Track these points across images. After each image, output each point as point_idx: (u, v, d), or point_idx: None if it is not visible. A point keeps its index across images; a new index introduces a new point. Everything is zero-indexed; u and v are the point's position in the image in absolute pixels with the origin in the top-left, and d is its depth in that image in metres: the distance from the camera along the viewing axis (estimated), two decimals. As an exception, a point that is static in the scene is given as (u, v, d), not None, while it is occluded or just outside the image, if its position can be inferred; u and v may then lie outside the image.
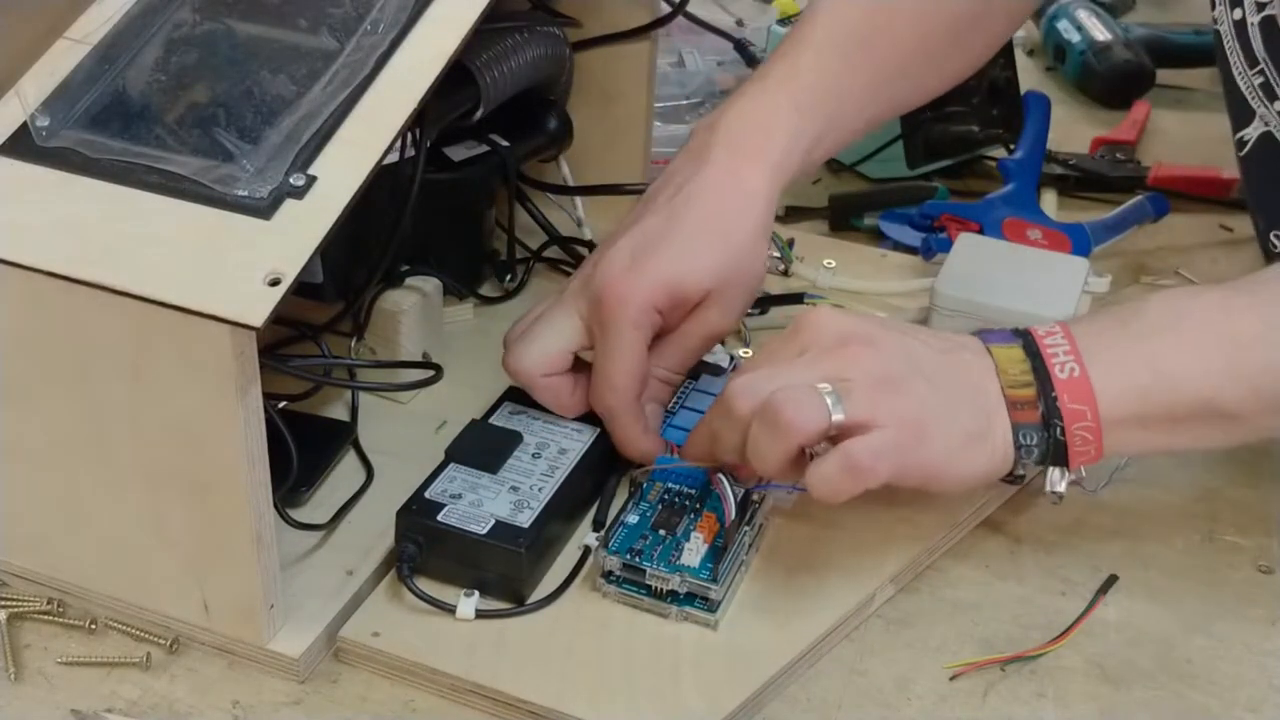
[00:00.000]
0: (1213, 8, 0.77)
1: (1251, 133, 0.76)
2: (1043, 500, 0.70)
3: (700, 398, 0.70)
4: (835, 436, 0.57)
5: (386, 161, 0.57)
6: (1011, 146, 0.97)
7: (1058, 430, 0.59)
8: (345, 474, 0.68)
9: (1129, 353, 0.61)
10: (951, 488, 0.61)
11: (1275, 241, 0.78)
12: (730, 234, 0.67)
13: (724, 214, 0.67)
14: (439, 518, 0.61)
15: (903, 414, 0.58)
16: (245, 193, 0.54)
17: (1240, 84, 0.76)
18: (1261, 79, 0.73)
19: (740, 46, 1.15)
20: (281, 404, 0.68)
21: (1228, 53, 0.76)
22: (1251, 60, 0.74)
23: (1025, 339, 0.61)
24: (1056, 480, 0.61)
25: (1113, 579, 0.65)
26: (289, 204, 0.54)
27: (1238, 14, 0.74)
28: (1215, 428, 0.61)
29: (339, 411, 0.71)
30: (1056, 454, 0.60)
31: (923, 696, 0.59)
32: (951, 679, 0.60)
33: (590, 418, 0.67)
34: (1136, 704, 0.59)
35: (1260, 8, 0.72)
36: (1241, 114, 0.77)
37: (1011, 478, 0.63)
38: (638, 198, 0.85)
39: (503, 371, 0.71)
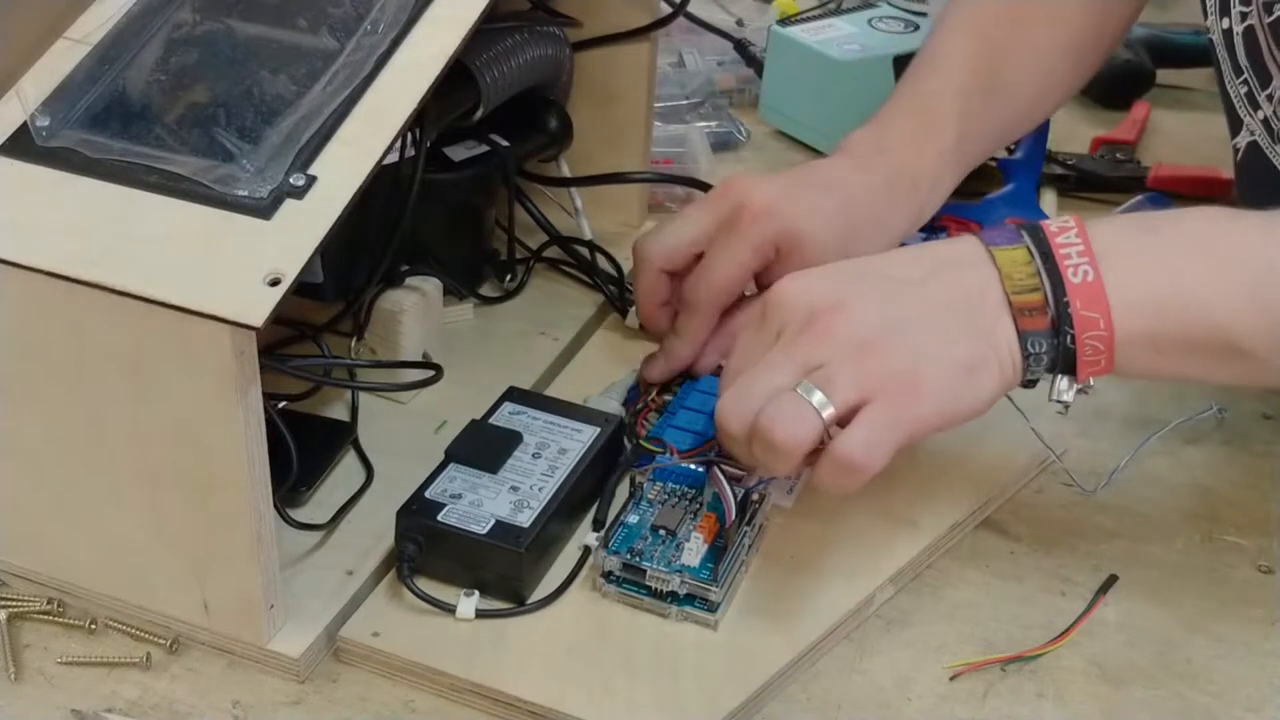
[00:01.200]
0: (1205, 17, 0.77)
1: (1241, 141, 0.76)
2: (1043, 500, 0.70)
3: (702, 398, 0.70)
4: (840, 421, 0.56)
5: (386, 161, 0.57)
6: (1012, 147, 0.97)
7: (1068, 338, 0.57)
8: (345, 474, 0.68)
9: (1152, 264, 0.58)
10: (966, 419, 0.58)
11: None
12: (861, 238, 0.71)
13: (870, 220, 0.72)
14: (439, 518, 0.61)
15: (890, 373, 0.56)
16: (245, 193, 0.54)
17: (1230, 92, 0.76)
18: (1245, 88, 0.74)
19: (740, 46, 1.15)
20: (281, 404, 0.68)
21: (1220, 61, 0.76)
22: (1237, 69, 0.74)
23: (1035, 235, 0.58)
24: (1064, 389, 0.58)
25: (1113, 579, 0.65)
26: (289, 204, 0.54)
27: (1225, 23, 0.75)
28: (1229, 362, 0.58)
29: (339, 411, 0.71)
30: (1065, 362, 0.58)
31: (923, 696, 0.59)
32: (951, 679, 0.60)
33: (591, 418, 0.67)
34: (1136, 704, 0.59)
35: (1243, 17, 0.73)
36: (1233, 122, 0.77)
37: (1026, 383, 0.60)
38: (639, 189, 0.86)
39: (502, 371, 0.72)
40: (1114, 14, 0.83)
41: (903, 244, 0.85)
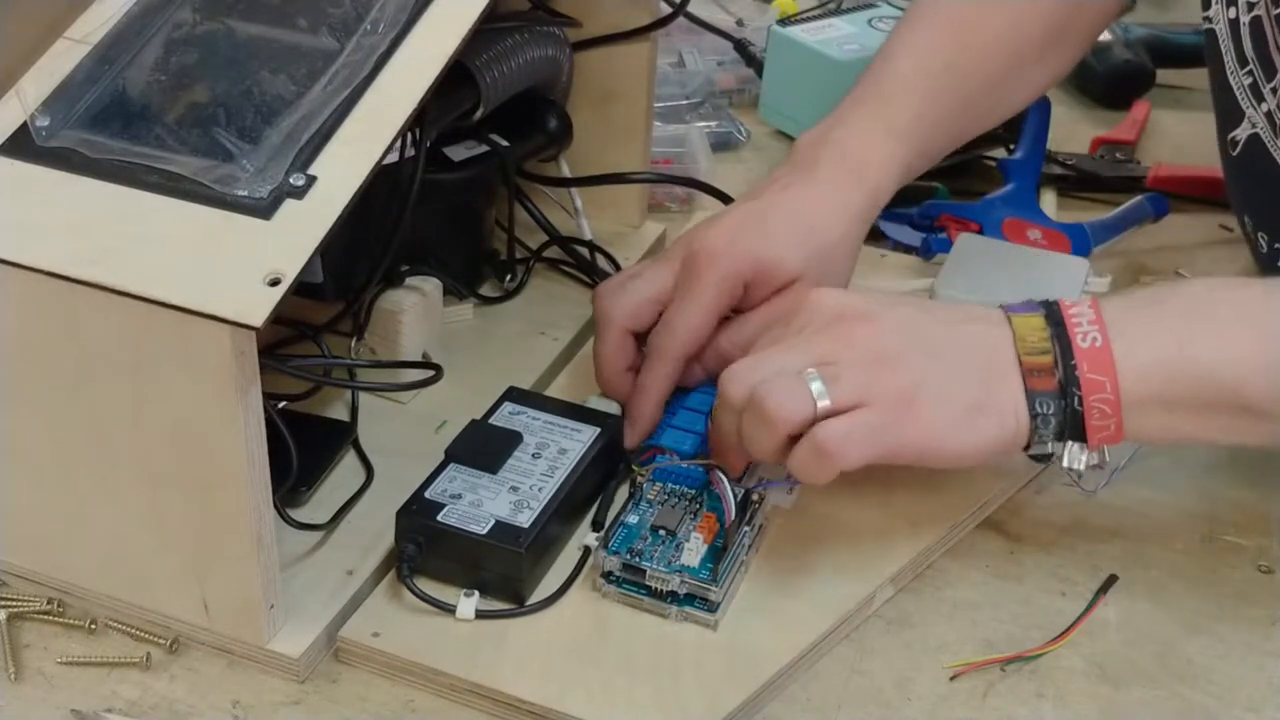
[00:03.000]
0: (1206, 7, 0.77)
1: (1241, 134, 0.76)
2: (1043, 500, 0.70)
3: (702, 399, 0.70)
4: (830, 416, 0.57)
5: (386, 161, 0.57)
6: (1011, 147, 0.97)
7: (1075, 400, 0.58)
8: (345, 474, 0.68)
9: (1157, 329, 0.59)
10: (952, 462, 0.60)
11: (1262, 240, 0.78)
12: (822, 233, 0.70)
13: (821, 214, 0.71)
14: (439, 518, 0.61)
15: (892, 390, 0.58)
16: (245, 193, 0.54)
17: (1232, 83, 0.75)
18: (1250, 79, 0.73)
19: (740, 46, 1.15)
20: (281, 404, 0.68)
21: (1222, 52, 0.76)
22: (1242, 60, 0.74)
23: (1049, 308, 0.60)
24: (1075, 456, 0.59)
25: (1112, 579, 0.65)
26: (289, 204, 0.54)
27: (1232, 13, 0.74)
28: (1242, 422, 0.59)
29: (339, 411, 0.71)
30: (1074, 427, 0.59)
31: (923, 696, 0.59)
32: (951, 679, 0.60)
33: (591, 418, 0.67)
34: (1136, 704, 0.59)
35: (1250, 8, 0.73)
36: (1231, 114, 0.77)
37: (1038, 456, 0.60)
38: (639, 189, 0.86)
39: (502, 371, 0.72)
40: (1088, 6, 0.82)
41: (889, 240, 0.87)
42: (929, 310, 0.62)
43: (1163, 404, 0.59)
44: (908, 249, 0.90)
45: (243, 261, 0.52)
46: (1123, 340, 0.58)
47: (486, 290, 0.82)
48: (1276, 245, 0.77)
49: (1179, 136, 1.10)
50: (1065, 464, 0.60)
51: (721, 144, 1.05)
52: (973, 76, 0.77)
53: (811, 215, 0.71)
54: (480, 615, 0.60)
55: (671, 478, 0.65)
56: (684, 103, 1.09)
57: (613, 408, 0.71)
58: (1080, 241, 0.88)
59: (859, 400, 0.57)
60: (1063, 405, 0.58)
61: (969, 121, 0.80)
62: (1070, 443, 0.59)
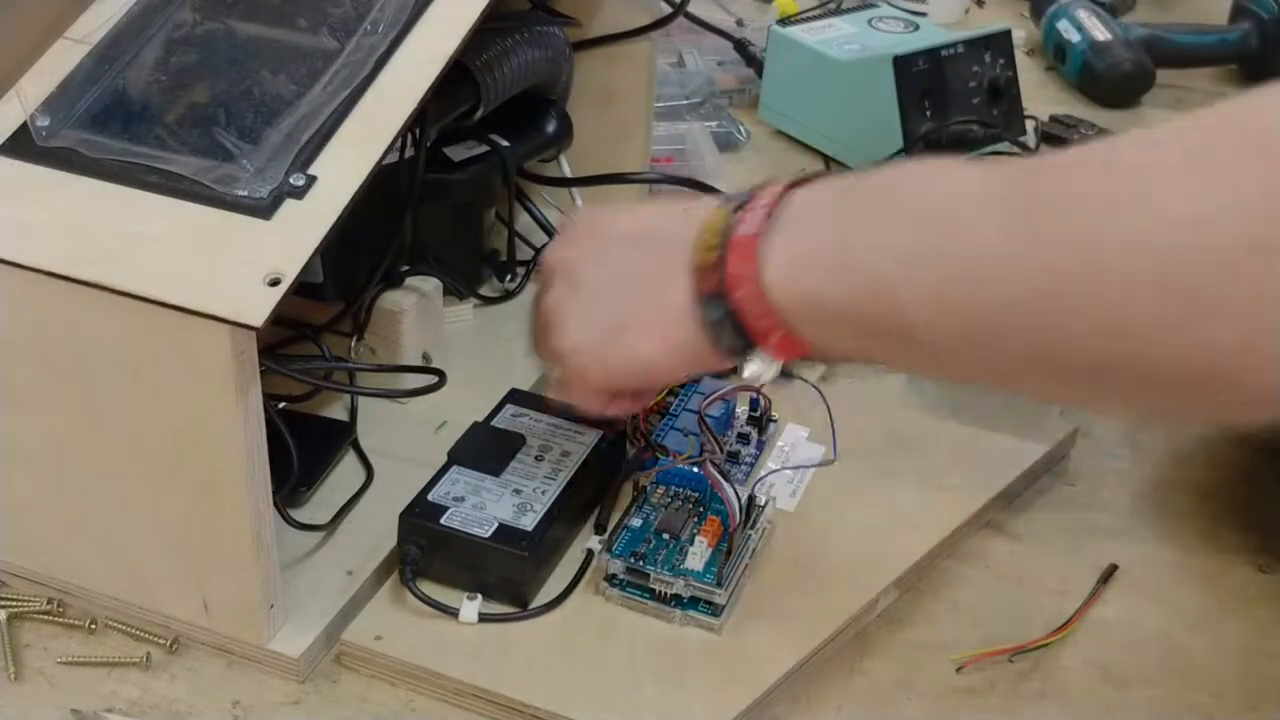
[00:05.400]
0: None
1: None
2: (1043, 500, 0.70)
3: (702, 400, 0.70)
4: None
5: (386, 161, 0.57)
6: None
7: (729, 299, 0.50)
8: (345, 474, 0.68)
9: (830, 219, 0.49)
10: (635, 379, 0.57)
11: None
12: None
13: None
14: (442, 521, 0.61)
15: (555, 324, 0.57)
16: (245, 193, 0.54)
17: None
18: None
19: (740, 46, 1.15)
20: (281, 404, 0.68)
21: None
22: None
23: (751, 194, 0.52)
24: (757, 367, 0.51)
25: (1113, 568, 0.65)
26: (289, 204, 0.54)
27: None
28: (904, 346, 0.48)
29: (339, 411, 0.71)
30: (742, 332, 0.51)
31: (923, 696, 0.59)
32: (958, 670, 0.60)
33: (596, 421, 0.67)
34: (1136, 704, 0.59)
35: None
36: None
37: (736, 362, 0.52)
38: (639, 189, 0.86)
39: (503, 372, 0.72)
40: None
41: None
42: (621, 226, 0.57)
43: (818, 307, 0.49)
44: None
45: (243, 261, 0.52)
46: (788, 230, 0.49)
47: (486, 290, 0.82)
48: None
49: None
50: (744, 374, 0.52)
51: (721, 144, 1.05)
52: None
53: None
54: (483, 619, 0.60)
55: (675, 481, 0.65)
56: (684, 103, 1.09)
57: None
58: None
59: (550, 356, 0.58)
60: (727, 310, 0.50)
61: None
62: (755, 352, 0.51)
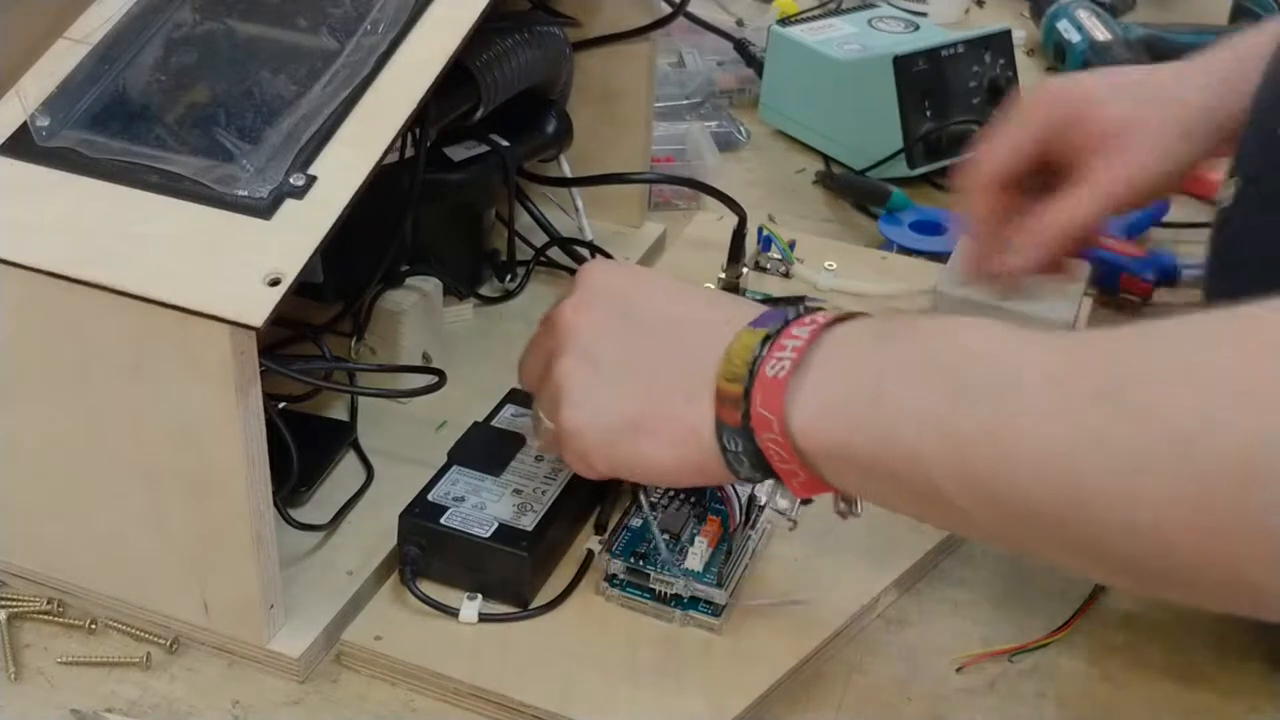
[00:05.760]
0: None
1: None
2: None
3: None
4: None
5: (386, 161, 0.57)
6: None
7: (753, 436, 0.50)
8: (345, 474, 0.68)
9: (863, 371, 0.48)
10: (639, 479, 0.57)
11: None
12: (1165, 92, 0.68)
13: (1176, 81, 0.68)
14: (442, 521, 0.61)
15: (555, 408, 0.56)
16: (245, 193, 0.54)
17: None
18: None
19: (740, 46, 1.15)
20: (281, 404, 0.68)
21: None
22: None
23: (786, 323, 0.51)
24: (778, 501, 0.53)
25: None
26: (289, 204, 0.54)
27: None
28: (937, 507, 0.48)
29: (339, 411, 0.71)
30: (766, 468, 0.51)
31: (923, 696, 0.59)
32: (958, 670, 0.60)
33: None
34: (1136, 704, 0.59)
35: None
36: None
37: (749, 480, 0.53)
38: (639, 189, 0.85)
39: (503, 372, 0.71)
40: None
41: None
42: (656, 304, 0.55)
43: (847, 460, 0.49)
44: (906, 250, 0.90)
45: (243, 261, 0.52)
46: (816, 374, 0.49)
47: (486, 290, 0.82)
48: None
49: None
50: (764, 503, 0.55)
51: (722, 144, 1.05)
52: None
53: (1155, 81, 0.68)
54: (483, 619, 0.60)
55: (673, 479, 0.65)
56: (684, 103, 1.09)
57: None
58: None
59: (551, 417, 0.56)
60: (751, 445, 0.50)
61: None
62: (773, 482, 0.52)
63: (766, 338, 0.50)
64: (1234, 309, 0.43)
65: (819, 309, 0.52)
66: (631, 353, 0.54)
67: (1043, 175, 0.70)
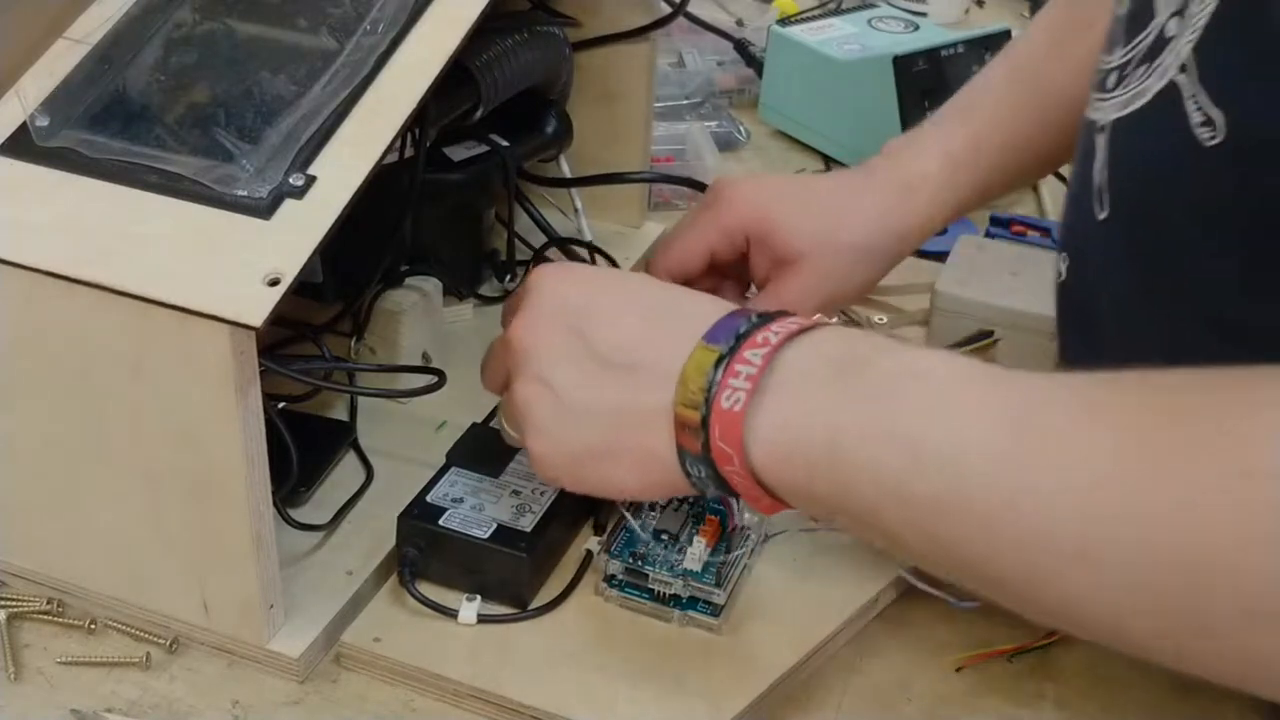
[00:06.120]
0: None
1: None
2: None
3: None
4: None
5: (386, 161, 0.57)
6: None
7: (714, 465, 0.50)
8: (345, 474, 0.68)
9: (819, 408, 0.48)
10: (609, 496, 0.57)
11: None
12: (844, 230, 0.70)
13: (852, 213, 0.70)
14: (440, 522, 0.61)
15: (525, 425, 0.55)
16: (245, 193, 0.54)
17: None
18: None
19: (740, 46, 1.15)
20: (281, 404, 0.68)
21: None
22: None
23: (739, 340, 0.50)
24: (750, 515, 0.55)
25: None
26: (289, 204, 0.54)
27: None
28: (904, 553, 0.49)
29: (339, 411, 0.71)
30: (732, 491, 0.51)
31: (923, 696, 0.59)
32: (958, 670, 0.60)
33: None
34: (1136, 704, 0.59)
35: None
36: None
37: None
38: (639, 189, 0.86)
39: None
40: None
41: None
42: (610, 332, 0.54)
43: (809, 497, 0.49)
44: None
45: (242, 261, 0.52)
46: (774, 410, 0.48)
47: (486, 290, 0.82)
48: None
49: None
50: (739, 521, 0.57)
51: (722, 144, 1.05)
52: (1050, 93, 0.72)
53: (842, 210, 0.71)
54: (482, 620, 0.60)
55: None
56: (684, 103, 1.09)
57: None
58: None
59: (519, 432, 0.56)
60: (713, 469, 0.50)
61: (1049, 141, 0.72)
62: (739, 501, 0.53)
63: (720, 358, 0.49)
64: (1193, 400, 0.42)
65: (769, 318, 0.51)
66: (588, 380, 0.53)
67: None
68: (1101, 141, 0.57)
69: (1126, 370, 0.44)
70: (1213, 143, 0.49)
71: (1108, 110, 0.57)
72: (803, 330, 0.50)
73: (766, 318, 0.51)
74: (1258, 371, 0.41)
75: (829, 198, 0.71)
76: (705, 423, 0.49)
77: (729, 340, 0.50)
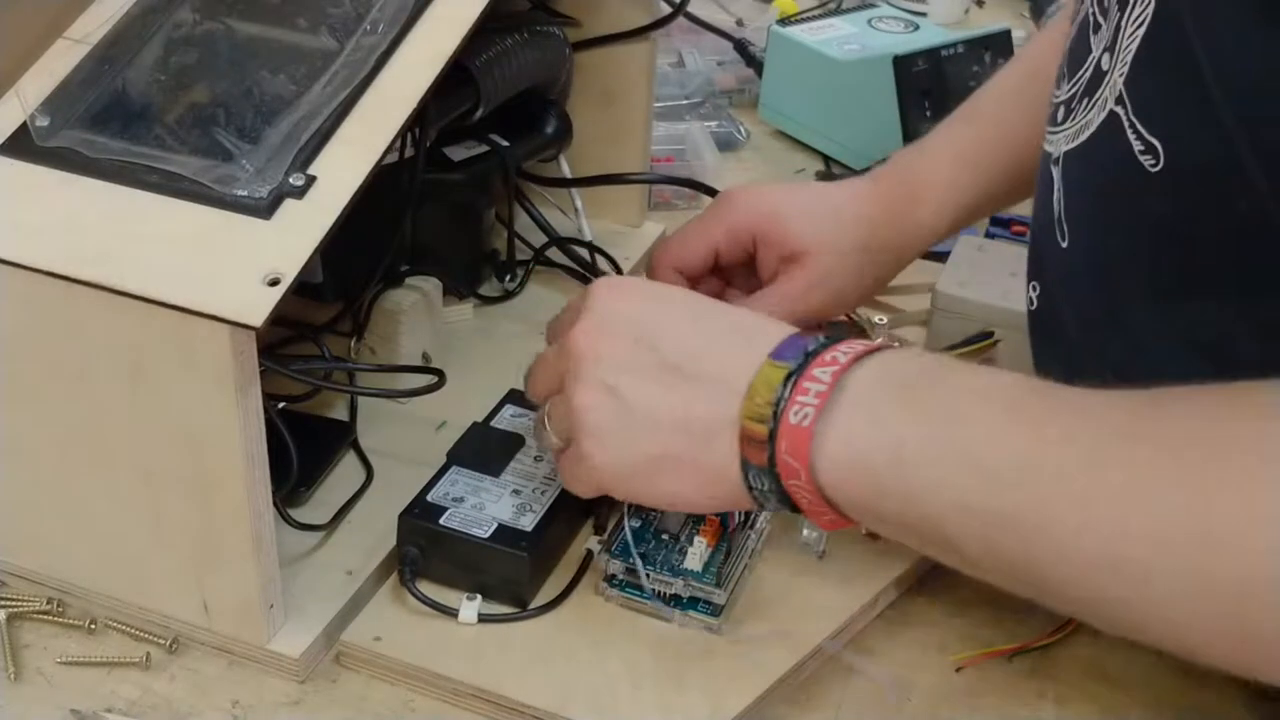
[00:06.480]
0: None
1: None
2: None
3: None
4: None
5: (386, 161, 0.57)
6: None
7: (779, 479, 0.51)
8: (345, 474, 0.68)
9: (885, 426, 0.49)
10: (662, 507, 0.58)
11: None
12: (846, 229, 0.71)
13: (856, 214, 0.71)
14: (441, 521, 0.61)
15: (576, 432, 0.55)
16: (245, 192, 0.54)
17: None
18: None
19: (740, 46, 1.15)
20: (281, 404, 0.68)
21: None
22: None
23: (808, 358, 0.51)
24: (811, 537, 0.57)
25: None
26: (289, 204, 0.54)
27: None
28: (970, 569, 0.50)
29: (339, 411, 0.71)
30: (794, 507, 0.52)
31: (923, 696, 0.59)
32: (958, 670, 0.60)
33: None
34: (1136, 704, 0.59)
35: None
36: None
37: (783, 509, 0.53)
38: (639, 189, 0.86)
39: (503, 372, 0.71)
40: None
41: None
42: (678, 340, 0.54)
43: (872, 512, 0.50)
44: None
45: (242, 261, 0.52)
46: (842, 425, 0.49)
47: (486, 290, 0.82)
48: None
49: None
50: (803, 538, 0.59)
51: (721, 144, 1.05)
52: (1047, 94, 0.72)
53: (848, 212, 0.71)
54: (483, 619, 0.60)
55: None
56: (684, 103, 1.09)
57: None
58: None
59: (564, 439, 0.57)
60: (778, 486, 0.51)
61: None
62: (805, 520, 0.54)
63: (789, 374, 0.50)
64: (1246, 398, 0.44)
65: (838, 340, 0.52)
66: (653, 388, 0.54)
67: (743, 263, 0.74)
68: (1056, 173, 0.59)
69: (1170, 388, 0.46)
70: (1155, 169, 0.50)
71: (1059, 143, 0.58)
72: (870, 351, 0.51)
73: (833, 339, 0.52)
74: None
75: (835, 201, 0.72)
76: (773, 436, 0.50)
77: (798, 358, 0.51)
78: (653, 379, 0.54)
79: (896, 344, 0.53)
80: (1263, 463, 0.43)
